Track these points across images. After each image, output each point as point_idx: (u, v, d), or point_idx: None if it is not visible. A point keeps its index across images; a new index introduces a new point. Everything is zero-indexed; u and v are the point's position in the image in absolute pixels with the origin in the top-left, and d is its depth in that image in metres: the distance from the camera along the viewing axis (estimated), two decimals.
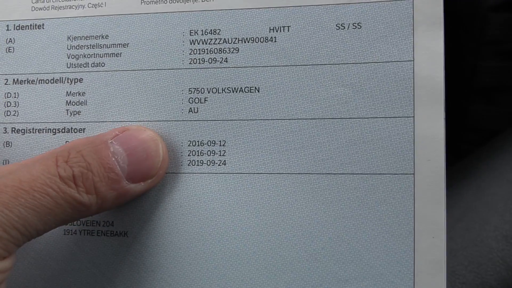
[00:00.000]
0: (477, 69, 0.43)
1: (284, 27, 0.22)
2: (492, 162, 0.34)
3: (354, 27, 0.21)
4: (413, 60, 0.21)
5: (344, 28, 0.21)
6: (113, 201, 0.20)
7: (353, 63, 0.21)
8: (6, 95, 0.24)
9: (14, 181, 0.19)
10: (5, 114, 0.24)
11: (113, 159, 0.20)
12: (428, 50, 0.21)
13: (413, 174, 0.21)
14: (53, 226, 0.20)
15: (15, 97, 0.24)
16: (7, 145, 0.24)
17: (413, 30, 0.21)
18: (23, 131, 0.24)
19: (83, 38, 0.23)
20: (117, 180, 0.20)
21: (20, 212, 0.18)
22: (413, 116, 0.21)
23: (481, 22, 0.40)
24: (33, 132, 0.24)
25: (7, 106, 0.24)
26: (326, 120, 0.21)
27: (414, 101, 0.21)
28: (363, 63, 0.21)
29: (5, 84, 0.24)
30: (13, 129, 0.24)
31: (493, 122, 0.43)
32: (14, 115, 0.24)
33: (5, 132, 0.24)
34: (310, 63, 0.22)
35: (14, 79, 0.24)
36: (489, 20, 0.39)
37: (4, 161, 0.24)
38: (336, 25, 0.22)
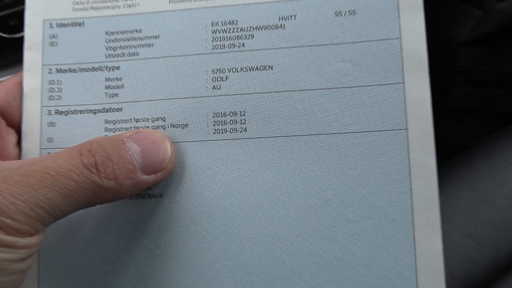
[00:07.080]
0: (449, 93, 0.49)
1: (291, 16, 0.26)
2: (459, 172, 0.39)
3: (350, 13, 0.26)
4: (400, 38, 0.25)
5: (342, 15, 0.26)
6: (129, 189, 0.23)
7: (350, 43, 0.26)
8: (49, 82, 0.27)
9: (41, 167, 0.21)
10: (49, 99, 0.27)
11: (130, 152, 0.23)
12: (412, 29, 0.25)
13: (406, 129, 0.25)
14: (76, 207, 0.22)
15: (58, 84, 0.27)
16: (51, 125, 0.27)
17: (399, 13, 0.25)
18: (65, 112, 0.27)
19: (119, 32, 0.27)
20: (133, 170, 0.23)
21: (45, 193, 0.21)
22: (403, 82, 0.25)
23: (453, 55, 0.46)
24: (75, 113, 0.27)
25: (51, 91, 0.27)
26: (330, 89, 0.25)
27: (403, 70, 0.25)
28: (359, 42, 0.26)
29: (49, 73, 0.28)
30: (57, 111, 0.27)
31: (461, 138, 0.49)
32: (57, 100, 0.27)
33: (49, 114, 0.27)
34: (315, 44, 0.26)
35: (57, 69, 0.27)
36: (460, 53, 0.46)
37: (48, 139, 0.27)
38: (335, 12, 0.26)
